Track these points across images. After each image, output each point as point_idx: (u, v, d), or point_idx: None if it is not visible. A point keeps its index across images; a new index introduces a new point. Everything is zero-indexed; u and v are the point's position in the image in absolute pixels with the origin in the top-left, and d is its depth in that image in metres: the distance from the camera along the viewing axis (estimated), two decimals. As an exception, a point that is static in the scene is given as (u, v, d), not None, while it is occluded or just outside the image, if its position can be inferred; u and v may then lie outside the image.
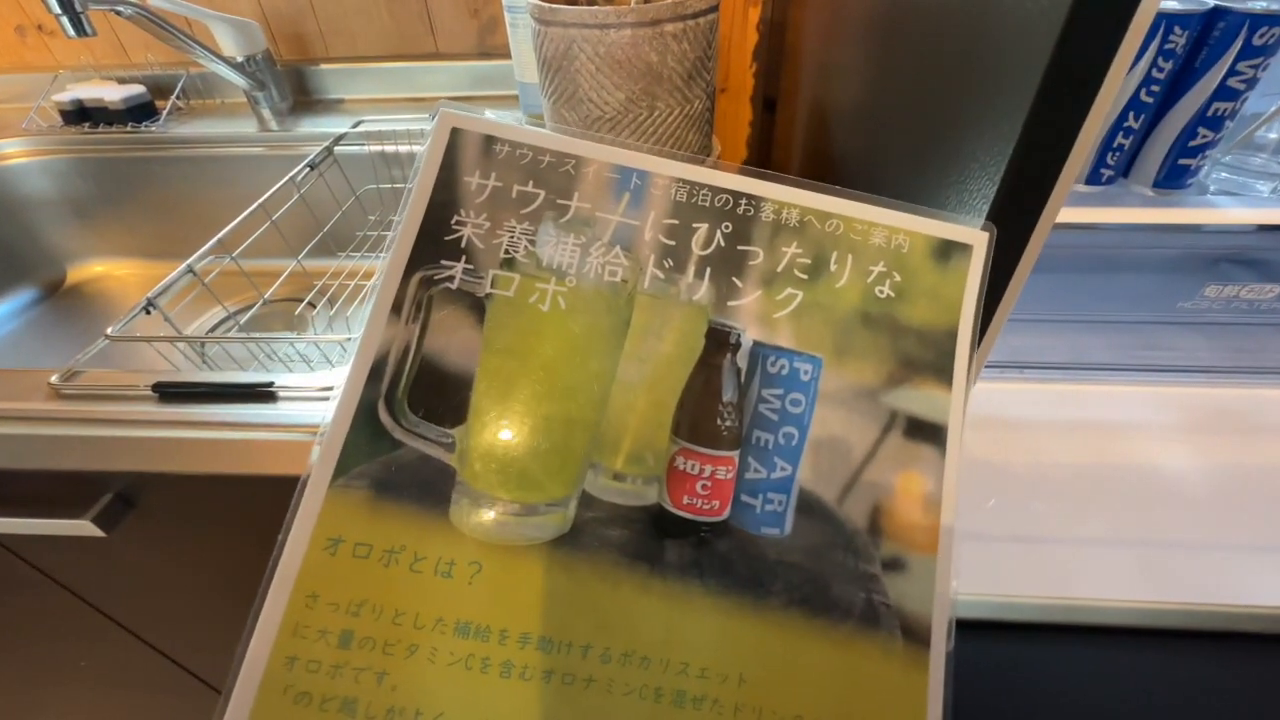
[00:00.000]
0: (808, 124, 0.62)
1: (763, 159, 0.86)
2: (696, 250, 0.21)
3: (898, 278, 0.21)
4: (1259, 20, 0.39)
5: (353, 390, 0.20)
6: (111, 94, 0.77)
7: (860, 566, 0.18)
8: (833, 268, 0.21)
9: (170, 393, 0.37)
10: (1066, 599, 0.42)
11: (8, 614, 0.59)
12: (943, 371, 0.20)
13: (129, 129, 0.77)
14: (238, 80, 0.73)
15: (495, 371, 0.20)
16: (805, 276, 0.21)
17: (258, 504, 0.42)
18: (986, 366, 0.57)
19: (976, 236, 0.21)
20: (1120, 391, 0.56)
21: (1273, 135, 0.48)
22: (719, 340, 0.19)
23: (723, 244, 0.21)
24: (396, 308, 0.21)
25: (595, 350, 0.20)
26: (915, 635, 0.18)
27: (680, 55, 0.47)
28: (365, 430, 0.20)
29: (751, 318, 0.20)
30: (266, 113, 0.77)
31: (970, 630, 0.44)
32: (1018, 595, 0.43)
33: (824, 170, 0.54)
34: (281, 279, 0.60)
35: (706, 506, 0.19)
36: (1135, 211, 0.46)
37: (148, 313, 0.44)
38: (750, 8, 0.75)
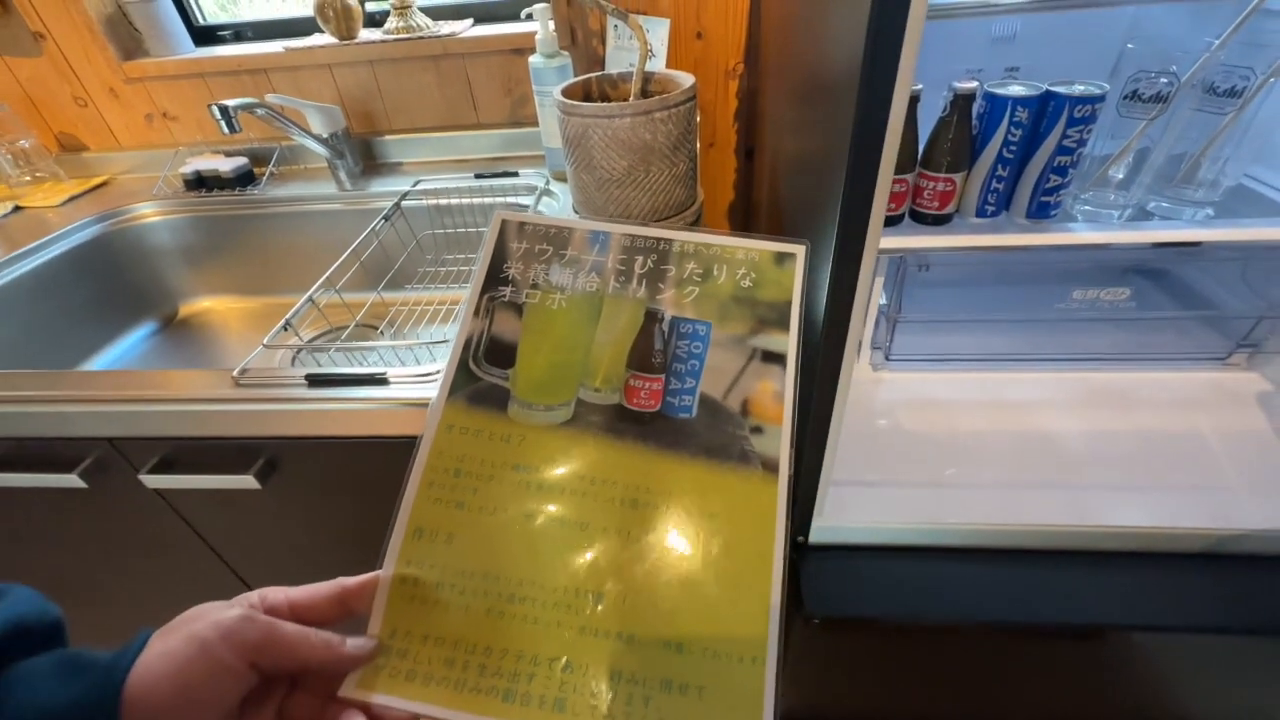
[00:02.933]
0: (770, 167, 0.78)
1: (745, 197, 1.03)
2: (637, 271, 0.38)
3: (754, 275, 0.37)
4: (1076, 100, 0.55)
5: (455, 353, 0.37)
6: (222, 165, 0.97)
7: (736, 431, 0.34)
8: (715, 273, 0.37)
9: (317, 380, 0.54)
10: (953, 524, 0.55)
11: (161, 568, 0.75)
12: (783, 325, 0.36)
13: (236, 192, 0.97)
14: (322, 151, 0.93)
15: (529, 341, 0.38)
16: (700, 279, 0.37)
17: (369, 464, 0.59)
18: (917, 361, 0.72)
19: (799, 248, 0.37)
20: (1022, 378, 0.70)
21: (1119, 175, 0.62)
22: (652, 317, 0.37)
23: (652, 266, 0.38)
24: (476, 312, 0.37)
25: (582, 327, 0.38)
26: (770, 467, 0.33)
27: (667, 133, 0.64)
28: (463, 373, 0.37)
29: (670, 304, 0.37)
30: (343, 176, 0.96)
31: (888, 551, 0.58)
32: (926, 524, 0.56)
33: (778, 199, 0.70)
34: (366, 306, 0.77)
35: (647, 404, 0.35)
36: (1012, 237, 0.61)
37: (284, 330, 0.61)
38: (730, 80, 0.92)
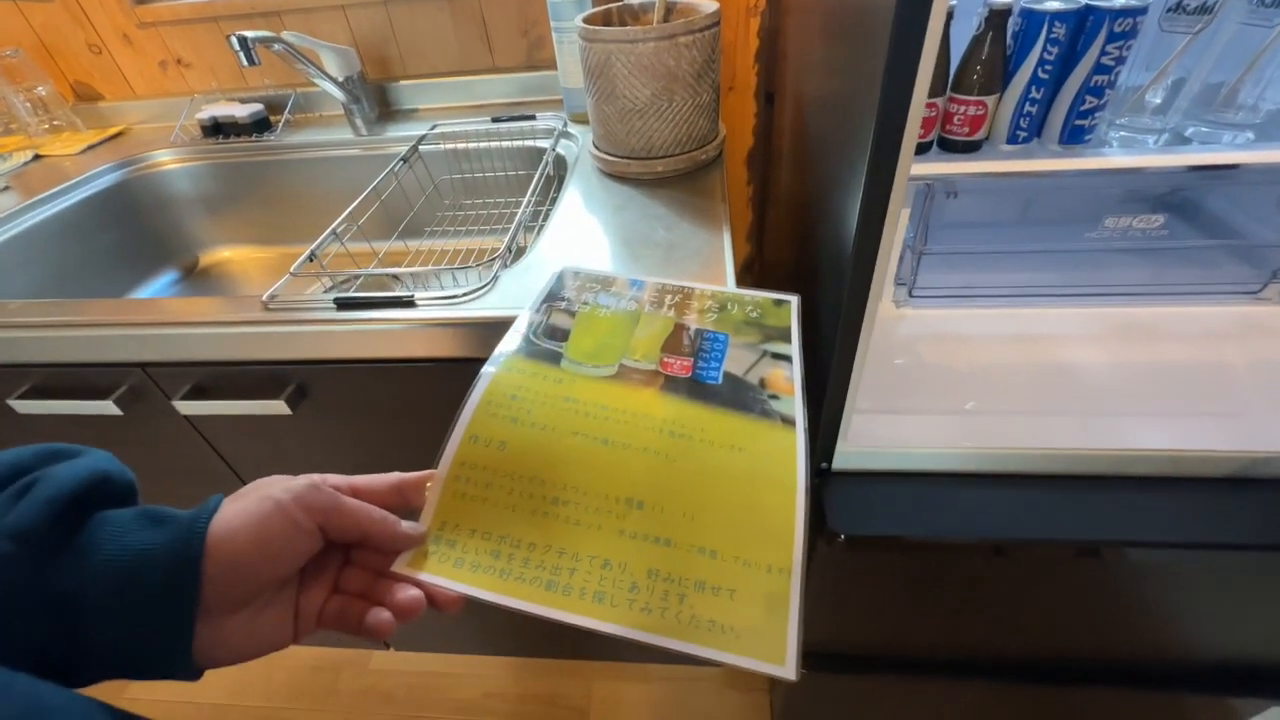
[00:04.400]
0: (793, 112, 0.77)
1: (765, 142, 1.01)
2: (668, 302, 0.48)
3: (759, 310, 0.47)
4: (1117, 14, 0.53)
5: (519, 329, 0.43)
6: (239, 111, 0.97)
7: (757, 396, 0.39)
8: (729, 307, 0.47)
9: (345, 303, 0.55)
10: (974, 448, 0.55)
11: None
12: (786, 338, 0.44)
13: (253, 139, 0.97)
14: (339, 95, 0.92)
15: (580, 328, 0.45)
16: (717, 310, 0.47)
17: (398, 386, 0.59)
18: (942, 297, 0.71)
19: (793, 300, 0.48)
20: (1047, 314, 0.69)
21: (1155, 100, 0.61)
22: (680, 326, 0.45)
23: (679, 300, 0.48)
24: (536, 311, 0.45)
25: (624, 326, 0.45)
26: (788, 422, 0.38)
27: (691, 59, 0.63)
28: (524, 342, 0.42)
29: (695, 321, 0.46)
30: (359, 122, 0.95)
31: (911, 476, 0.58)
32: (948, 448, 0.57)
33: (802, 143, 0.69)
34: (386, 248, 0.78)
35: (680, 373, 0.41)
36: (1044, 162, 0.60)
37: (310, 260, 0.62)
38: (751, 18, 0.90)
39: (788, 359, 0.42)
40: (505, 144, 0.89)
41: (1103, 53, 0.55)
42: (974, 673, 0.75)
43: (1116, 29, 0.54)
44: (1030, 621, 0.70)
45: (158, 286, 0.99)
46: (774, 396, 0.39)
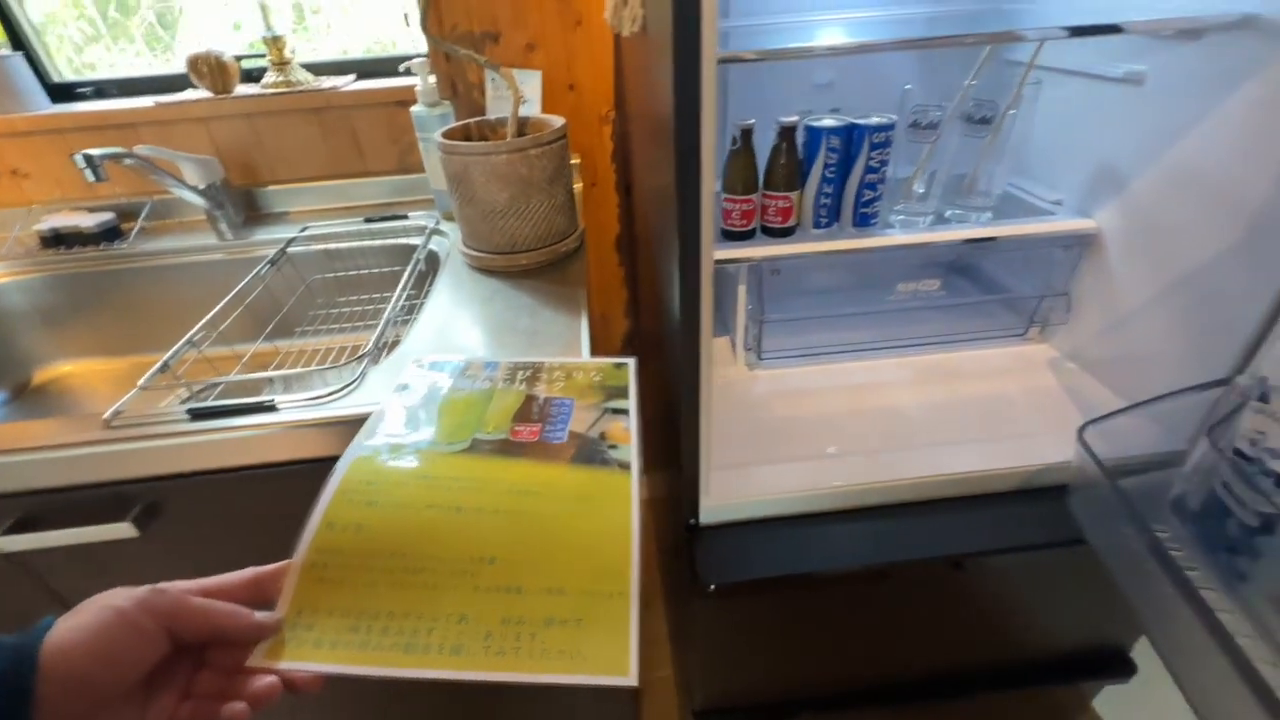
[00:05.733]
0: (639, 204, 0.87)
1: (629, 229, 1.12)
2: (519, 377, 0.52)
3: (601, 375, 0.52)
4: (874, 129, 0.67)
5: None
6: (85, 221, 0.93)
7: (598, 448, 0.44)
8: (575, 375, 0.52)
9: (201, 413, 0.53)
10: (825, 489, 0.63)
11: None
12: (625, 395, 0.49)
13: (100, 248, 0.93)
14: (199, 203, 0.91)
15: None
16: (564, 379, 0.52)
17: (259, 494, 0.58)
18: (785, 357, 0.81)
19: (630, 361, 0.53)
20: (873, 364, 0.81)
21: (921, 190, 0.76)
22: (530, 398, 0.49)
23: (529, 375, 0.52)
24: None
25: (476, 408, 0.49)
26: (624, 467, 0.42)
27: (543, 168, 0.71)
28: None
29: (544, 392, 0.50)
30: (224, 227, 0.95)
31: (773, 522, 0.65)
32: (803, 492, 0.64)
33: (645, 232, 0.78)
34: (250, 352, 0.77)
35: (528, 438, 0.45)
36: (843, 243, 0.72)
37: (163, 370, 0.60)
38: (604, 125, 1.02)
39: (625, 412, 0.48)
40: (378, 243, 0.92)
41: (869, 158, 0.69)
42: (864, 701, 0.80)
43: (875, 140, 0.68)
44: (901, 641, 0.76)
45: (-22, 411, 0.89)
46: (613, 446, 0.44)
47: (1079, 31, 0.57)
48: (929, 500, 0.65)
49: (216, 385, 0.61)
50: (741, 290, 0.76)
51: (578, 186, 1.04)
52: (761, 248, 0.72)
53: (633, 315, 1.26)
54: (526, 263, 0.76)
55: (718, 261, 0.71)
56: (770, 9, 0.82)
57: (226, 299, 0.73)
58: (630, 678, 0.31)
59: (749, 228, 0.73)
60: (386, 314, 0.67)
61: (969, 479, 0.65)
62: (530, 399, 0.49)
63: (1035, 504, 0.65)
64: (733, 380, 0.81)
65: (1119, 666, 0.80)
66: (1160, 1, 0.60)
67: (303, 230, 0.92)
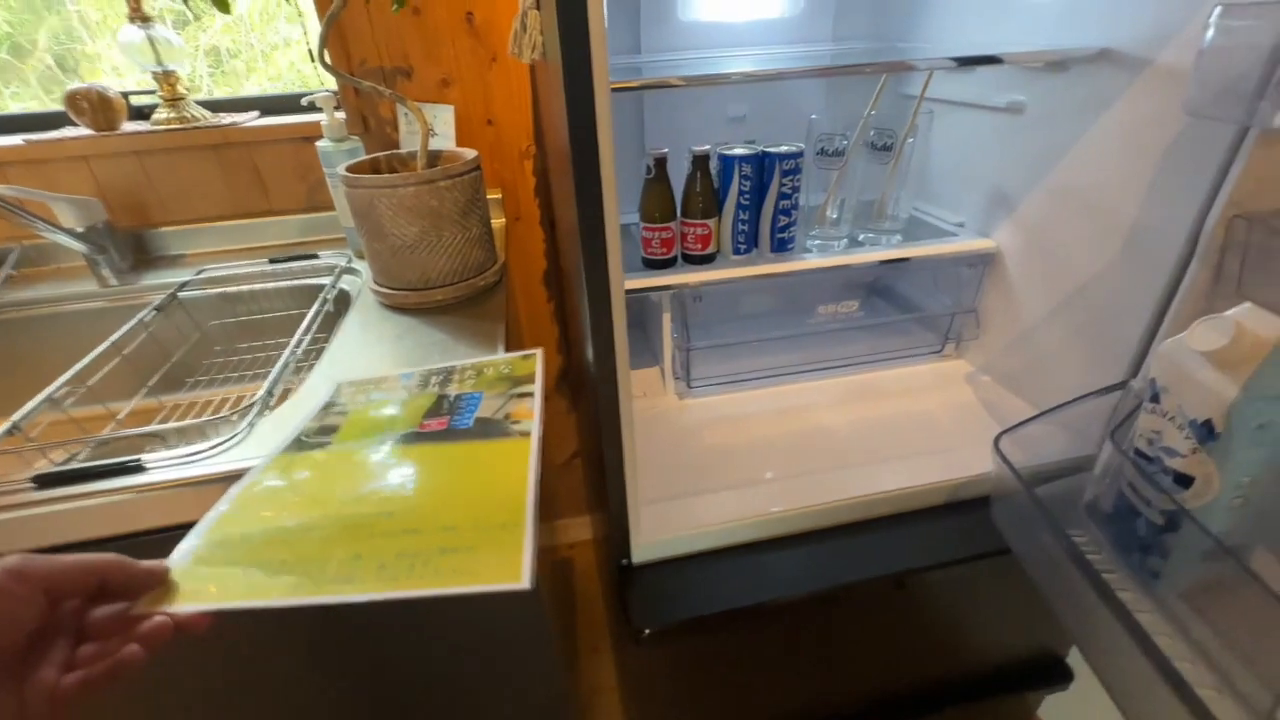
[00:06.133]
0: (560, 235, 0.86)
1: (554, 262, 1.10)
2: (433, 381, 0.55)
3: (510, 368, 0.55)
4: (784, 157, 0.69)
5: (291, 433, 0.46)
6: (-62, 271, 0.83)
7: (503, 425, 0.45)
8: (485, 371, 0.55)
9: (51, 479, 0.46)
10: (758, 517, 0.61)
11: None
12: (531, 380, 0.52)
13: (-45, 300, 0.83)
14: (78, 247, 0.83)
15: (348, 426, 0.50)
16: (475, 376, 0.55)
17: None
18: (715, 385, 0.80)
19: (538, 351, 0.56)
20: (801, 387, 0.81)
21: (834, 215, 0.78)
22: (441, 397, 0.52)
23: (440, 379, 0.55)
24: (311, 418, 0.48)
25: (388, 414, 0.51)
26: (525, 435, 0.45)
27: (454, 200, 0.69)
28: (295, 441, 0.49)
29: (455, 390, 0.53)
30: (106, 272, 0.87)
31: (708, 555, 0.62)
32: (737, 521, 0.62)
33: (566, 265, 0.77)
34: (130, 406, 0.69)
35: (436, 428, 0.47)
36: (762, 268, 0.73)
37: (12, 433, 0.53)
38: (525, 160, 1.01)
39: (531, 395, 0.50)
40: (284, 284, 0.87)
41: (781, 184, 0.70)
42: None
43: (786, 167, 0.69)
44: (848, 667, 0.75)
45: None
46: (516, 422, 0.47)
47: (964, 62, 0.60)
48: (864, 521, 0.65)
49: (109, 441, 0.54)
50: (666, 319, 0.75)
51: (500, 221, 1.02)
52: (679, 275, 0.71)
53: (565, 352, 1.23)
54: (442, 298, 0.73)
55: (629, 291, 0.70)
56: (688, 45, 0.85)
57: (98, 350, 0.65)
58: (523, 583, 0.32)
59: (669, 256, 0.73)
60: (283, 358, 0.62)
61: (901, 496, 0.65)
62: (442, 398, 0.52)
63: (964, 516, 0.65)
64: (663, 410, 0.79)
65: (1058, 674, 0.81)
66: (1033, 37, 0.65)
67: (199, 273, 0.86)
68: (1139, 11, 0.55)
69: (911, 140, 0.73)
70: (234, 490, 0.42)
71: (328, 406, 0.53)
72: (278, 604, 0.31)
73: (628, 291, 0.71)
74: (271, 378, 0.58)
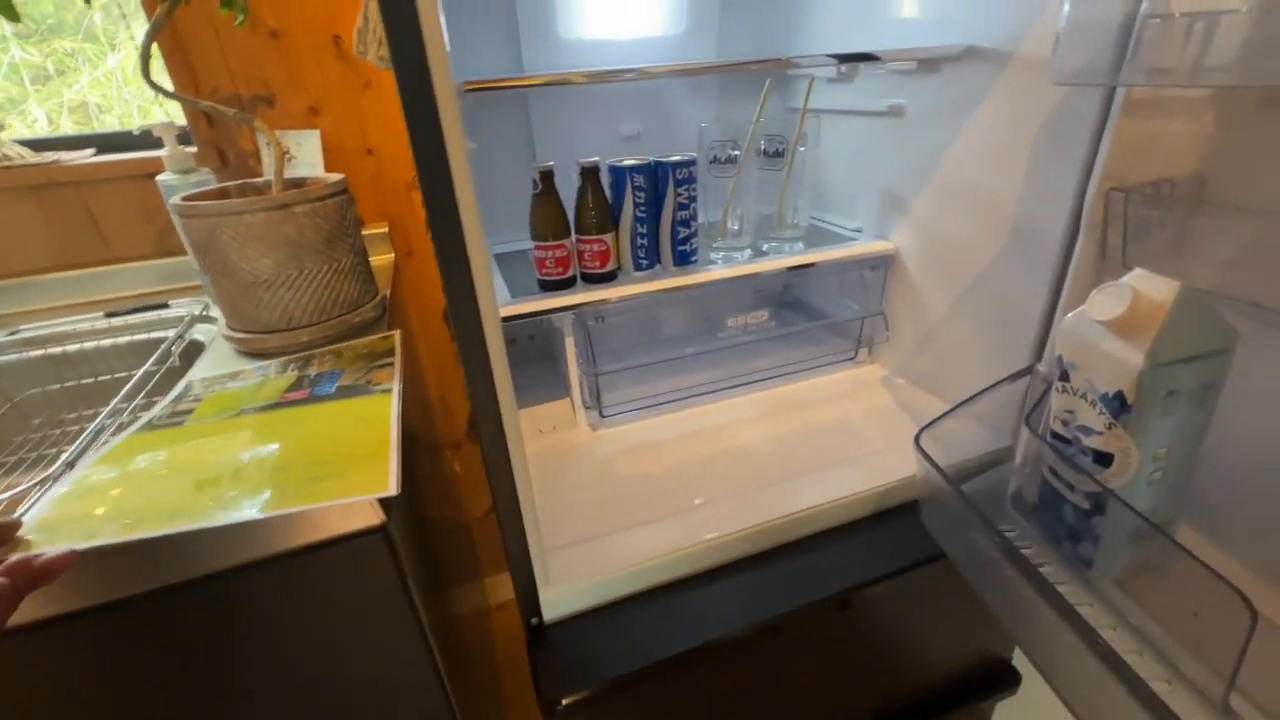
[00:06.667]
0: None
1: (453, 300, 1.03)
2: (291, 368, 0.59)
3: (369, 348, 0.59)
4: (677, 166, 0.66)
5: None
6: None
7: (365, 387, 0.52)
8: (344, 354, 0.60)
9: None
10: (676, 553, 0.55)
11: None
12: (391, 354, 0.57)
13: None
14: None
15: (204, 406, 0.53)
16: (335, 358, 0.60)
17: None
18: (629, 411, 0.75)
19: (396, 333, 0.60)
20: (719, 405, 0.77)
21: (735, 226, 0.76)
22: (301, 377, 0.57)
23: (300, 363, 0.60)
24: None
25: (247, 393, 0.55)
26: (387, 392, 0.49)
27: (315, 227, 0.61)
28: (146, 426, 0.50)
29: (315, 370, 0.58)
30: (-112, 341, 0.72)
31: (629, 601, 0.55)
32: (656, 560, 0.55)
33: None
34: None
35: (298, 399, 0.51)
36: (666, 282, 0.69)
37: None
38: (411, 190, 0.94)
39: (391, 365, 0.55)
40: (124, 340, 0.74)
41: (677, 194, 0.67)
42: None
43: (679, 176, 0.67)
44: (797, 698, 0.68)
45: None
46: (378, 384, 0.51)
47: (843, 59, 0.60)
48: (794, 541, 0.60)
49: None
50: (569, 343, 0.70)
51: (388, 257, 0.94)
52: (576, 295, 0.66)
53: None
54: (309, 339, 0.64)
55: (523, 315, 0.64)
56: (573, 63, 0.82)
57: None
58: (389, 490, 0.38)
59: (566, 275, 0.68)
60: (94, 425, 0.51)
61: (828, 510, 0.61)
62: (302, 377, 0.55)
63: (894, 524, 0.62)
64: (575, 444, 0.72)
65: (1007, 679, 0.79)
66: (906, 41, 0.67)
67: (11, 334, 0.72)
68: (996, 9, 0.57)
69: (802, 149, 0.72)
70: (67, 480, 0.42)
71: (178, 398, 0.53)
72: (149, 535, 0.34)
73: (522, 316, 0.66)
74: (75, 448, 0.47)
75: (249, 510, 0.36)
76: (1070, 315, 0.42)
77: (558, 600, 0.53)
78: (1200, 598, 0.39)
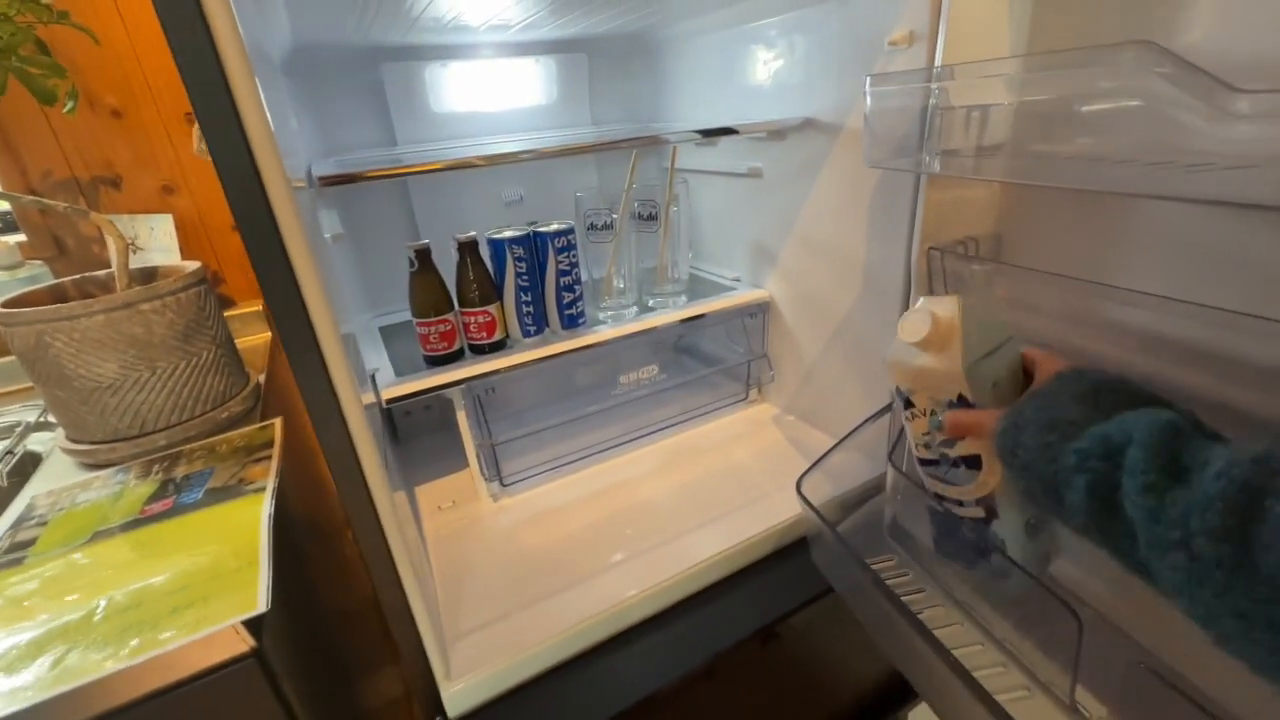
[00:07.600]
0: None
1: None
2: (154, 471, 0.54)
3: (247, 441, 0.56)
4: (555, 235, 0.68)
5: None
6: None
7: (237, 488, 0.48)
8: (219, 449, 0.56)
9: None
10: (585, 622, 0.55)
11: None
12: (269, 447, 0.54)
13: None
14: None
15: (49, 532, 0.46)
16: (206, 454, 0.55)
17: None
18: (530, 477, 0.74)
19: (276, 421, 0.56)
20: (620, 461, 0.78)
21: (621, 285, 0.79)
22: (166, 482, 0.50)
23: (165, 465, 0.55)
24: None
25: (100, 509, 0.50)
26: (259, 491, 0.47)
27: (168, 324, 0.57)
28: None
29: (183, 472, 0.53)
30: None
31: (545, 678, 0.54)
32: (566, 633, 0.54)
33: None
34: None
35: (158, 511, 0.48)
36: (555, 347, 0.70)
37: None
38: (287, 266, 0.90)
39: (269, 458, 0.52)
40: (-63, 460, 0.65)
41: (558, 262, 0.69)
42: None
43: (559, 245, 0.68)
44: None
45: None
46: (251, 483, 0.49)
47: (706, 134, 0.65)
48: (709, 586, 0.62)
49: None
50: (462, 416, 0.68)
51: (265, 337, 0.89)
52: (463, 369, 0.66)
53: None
54: (167, 442, 0.59)
55: (395, 399, 0.63)
56: (447, 135, 0.83)
57: None
58: (259, 606, 0.37)
59: (453, 349, 0.67)
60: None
61: (733, 554, 0.63)
62: (167, 482, 0.52)
63: (798, 558, 0.65)
64: (477, 517, 0.71)
65: (906, 692, 0.83)
66: (757, 112, 0.73)
67: None
68: (825, 88, 0.64)
69: (675, 209, 0.76)
70: None
71: (19, 522, 0.48)
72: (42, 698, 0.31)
73: (408, 396, 0.64)
74: None
75: (91, 671, 0.33)
76: (889, 349, 0.46)
77: (464, 691, 0.51)
78: (1041, 607, 0.44)
